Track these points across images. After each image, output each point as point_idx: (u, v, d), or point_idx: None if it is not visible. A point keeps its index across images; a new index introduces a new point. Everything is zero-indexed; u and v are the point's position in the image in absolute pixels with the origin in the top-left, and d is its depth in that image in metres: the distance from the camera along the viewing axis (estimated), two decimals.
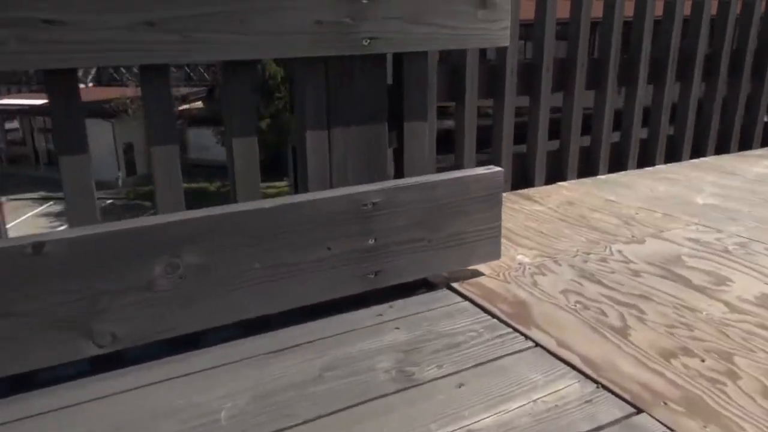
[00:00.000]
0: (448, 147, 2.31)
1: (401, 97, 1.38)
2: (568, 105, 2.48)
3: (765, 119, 3.08)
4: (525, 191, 2.33)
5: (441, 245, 1.42)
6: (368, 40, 1.23)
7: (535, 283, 1.47)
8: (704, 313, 1.29)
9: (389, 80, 1.40)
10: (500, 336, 1.24)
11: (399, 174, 1.45)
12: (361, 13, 1.21)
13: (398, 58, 1.38)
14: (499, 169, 1.46)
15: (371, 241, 1.33)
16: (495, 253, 1.52)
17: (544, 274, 1.52)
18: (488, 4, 1.34)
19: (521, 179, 2.43)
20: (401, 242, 1.37)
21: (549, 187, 2.39)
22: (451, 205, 1.41)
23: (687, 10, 2.69)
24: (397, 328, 1.29)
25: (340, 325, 1.31)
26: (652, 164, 2.71)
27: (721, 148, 2.94)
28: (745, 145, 3.01)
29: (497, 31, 1.38)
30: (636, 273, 1.51)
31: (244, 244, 1.20)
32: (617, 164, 2.64)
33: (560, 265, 1.58)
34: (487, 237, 1.48)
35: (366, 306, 1.39)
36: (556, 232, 1.83)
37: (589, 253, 1.65)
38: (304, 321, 1.32)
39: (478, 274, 1.53)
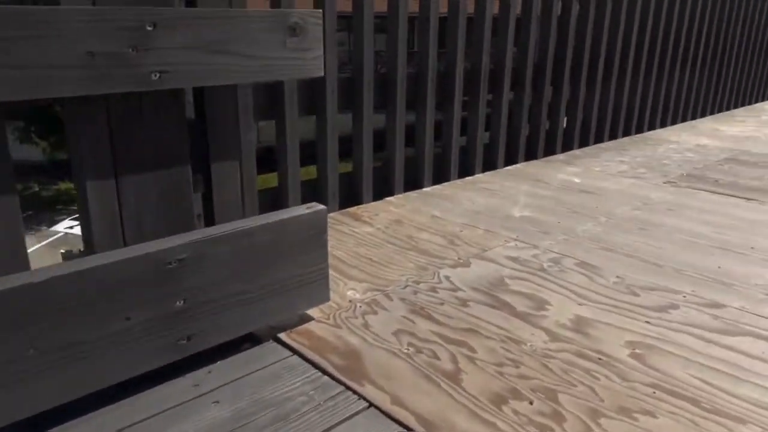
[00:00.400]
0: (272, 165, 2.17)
1: (206, 135, 1.21)
2: (391, 119, 2.46)
3: (564, 125, 3.37)
4: (354, 210, 2.27)
5: (264, 296, 1.28)
6: (157, 74, 1.04)
7: (366, 325, 1.39)
8: (528, 344, 1.31)
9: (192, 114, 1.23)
10: (333, 398, 1.14)
11: (210, 222, 1.28)
12: (145, 42, 1.01)
13: (199, 91, 1.20)
14: (322, 207, 1.35)
15: (180, 303, 1.15)
16: (324, 296, 1.42)
17: (375, 313, 1.45)
18: (298, 32, 1.22)
19: (349, 195, 2.37)
20: (217, 299, 1.21)
21: (377, 203, 2.36)
22: (271, 251, 1.27)
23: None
24: (217, 402, 1.13)
25: (149, 406, 1.12)
26: (472, 173, 2.82)
27: (530, 154, 3.16)
28: (549, 149, 3.27)
29: (310, 61, 1.26)
30: (464, 303, 1.51)
31: (8, 328, 0.96)
32: (440, 175, 2.70)
33: (391, 299, 1.52)
34: (314, 280, 1.38)
35: (182, 374, 1.21)
36: (386, 259, 1.78)
37: (419, 282, 1.62)
38: (106, 404, 1.11)
39: (307, 319, 1.42)
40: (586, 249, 1.87)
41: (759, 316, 1.45)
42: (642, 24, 3.65)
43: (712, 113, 4.66)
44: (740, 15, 4.61)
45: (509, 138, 3.03)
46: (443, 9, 2.53)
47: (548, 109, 3.23)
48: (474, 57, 2.75)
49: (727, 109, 4.89)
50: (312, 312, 1.43)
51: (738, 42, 4.72)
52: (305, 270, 1.35)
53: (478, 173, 2.83)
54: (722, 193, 2.48)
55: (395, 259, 1.79)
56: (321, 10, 1.28)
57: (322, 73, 1.29)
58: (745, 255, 1.83)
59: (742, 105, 5.13)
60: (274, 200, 2.12)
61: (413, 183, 2.58)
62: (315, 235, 1.35)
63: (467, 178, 2.75)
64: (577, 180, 2.70)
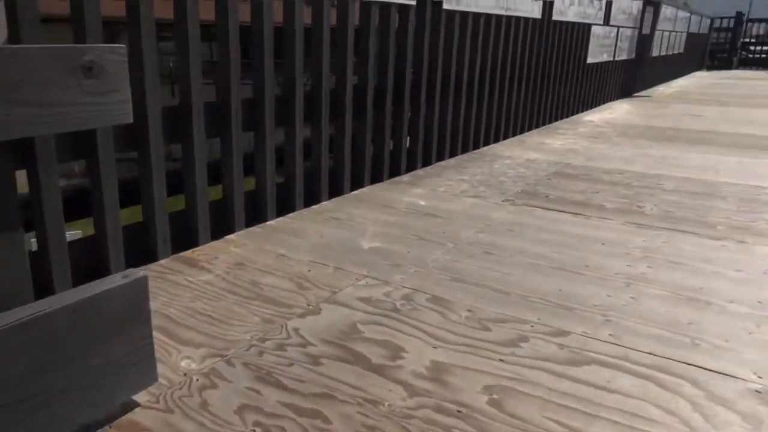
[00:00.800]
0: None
1: None
2: (227, 147, 2.27)
3: (407, 145, 3.40)
4: (190, 254, 2.04)
5: (70, 391, 1.05)
6: None
7: (204, 404, 1.21)
8: (386, 404, 1.22)
9: None
10: None
11: None
12: None
13: None
14: (142, 274, 1.15)
15: None
16: (150, 377, 1.21)
17: (215, 386, 1.27)
18: (96, 72, 1.01)
19: (184, 237, 2.13)
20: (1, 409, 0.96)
21: (216, 243, 2.15)
22: (77, 336, 1.05)
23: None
24: None
25: None
26: (318, 201, 2.71)
27: (376, 176, 3.13)
28: (394, 170, 3.27)
29: (114, 105, 1.06)
30: (316, 360, 1.38)
31: None
32: (285, 206, 2.56)
33: (234, 366, 1.35)
34: (136, 361, 1.16)
35: None
36: (227, 313, 1.60)
37: (264, 340, 1.46)
38: None
39: (132, 406, 1.20)
40: (437, 281, 1.84)
41: (599, 340, 1.50)
42: (473, 46, 3.81)
43: (537, 127, 5.04)
44: (556, 39, 5.04)
45: (354, 161, 2.97)
46: (279, 19, 2.39)
47: (391, 129, 3.23)
48: (314, 75, 2.65)
49: (551, 121, 5.31)
50: (138, 396, 1.22)
51: (556, 61, 5.15)
52: (124, 351, 1.13)
53: (325, 200, 2.73)
54: (554, 209, 2.62)
55: (238, 313, 1.61)
56: (124, 45, 1.08)
57: (131, 119, 1.09)
58: (581, 274, 1.92)
59: (563, 117, 5.62)
60: (91, 251, 1.83)
61: (256, 216, 2.41)
62: (134, 308, 1.14)
63: (313, 206, 2.64)
64: (422, 203, 2.71)
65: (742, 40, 15.54)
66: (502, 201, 2.75)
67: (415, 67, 3.34)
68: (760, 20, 16.43)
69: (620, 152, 3.99)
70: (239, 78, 2.25)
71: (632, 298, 1.75)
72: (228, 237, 2.22)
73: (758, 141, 4.51)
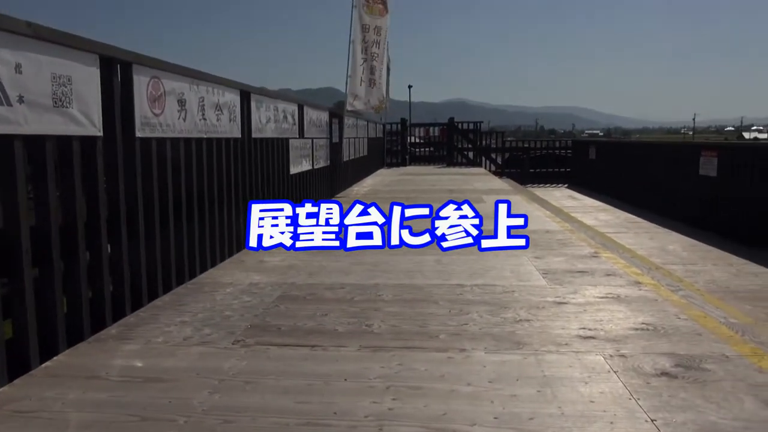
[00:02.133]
0: None
1: None
2: None
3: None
4: None
5: None
6: None
7: None
8: None
9: None
10: None
11: None
12: None
13: None
14: None
15: None
16: None
17: None
18: None
19: None
20: None
21: None
22: None
23: None
24: None
25: None
26: None
27: (75, 336, 2.58)
28: (98, 324, 2.75)
29: None
30: None
31: None
32: None
33: None
34: None
35: None
36: None
37: None
38: None
39: None
40: None
41: None
42: (175, 171, 3.58)
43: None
44: (259, 154, 5.13)
45: (41, 323, 2.40)
46: None
47: (87, 275, 2.74)
48: None
49: None
50: None
51: (263, 175, 5.22)
52: None
53: (5, 384, 2.11)
54: (289, 345, 2.48)
55: None
56: None
57: None
58: (332, 426, 1.79)
59: None
60: None
61: None
62: None
63: None
64: (139, 363, 2.30)
65: (409, 141, 18.40)
66: (232, 344, 2.51)
67: (111, 200, 2.95)
68: (418, 125, 19.75)
69: (336, 263, 4.10)
70: None
71: None
72: None
73: None
